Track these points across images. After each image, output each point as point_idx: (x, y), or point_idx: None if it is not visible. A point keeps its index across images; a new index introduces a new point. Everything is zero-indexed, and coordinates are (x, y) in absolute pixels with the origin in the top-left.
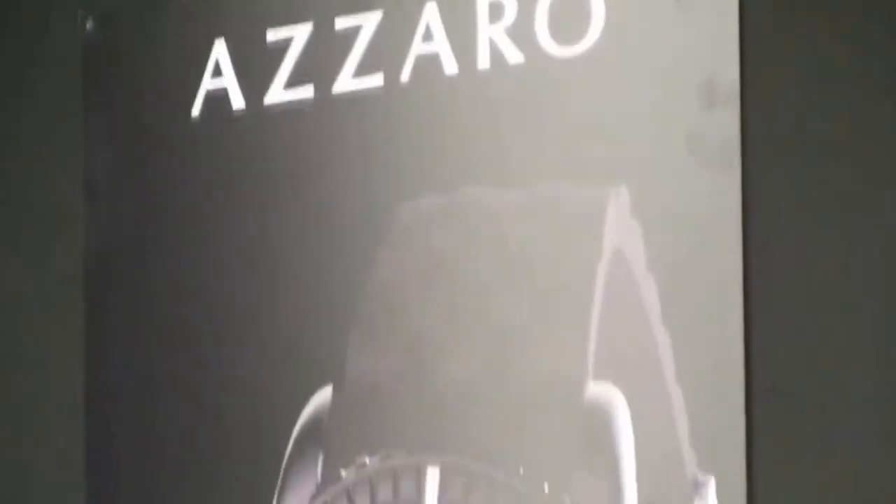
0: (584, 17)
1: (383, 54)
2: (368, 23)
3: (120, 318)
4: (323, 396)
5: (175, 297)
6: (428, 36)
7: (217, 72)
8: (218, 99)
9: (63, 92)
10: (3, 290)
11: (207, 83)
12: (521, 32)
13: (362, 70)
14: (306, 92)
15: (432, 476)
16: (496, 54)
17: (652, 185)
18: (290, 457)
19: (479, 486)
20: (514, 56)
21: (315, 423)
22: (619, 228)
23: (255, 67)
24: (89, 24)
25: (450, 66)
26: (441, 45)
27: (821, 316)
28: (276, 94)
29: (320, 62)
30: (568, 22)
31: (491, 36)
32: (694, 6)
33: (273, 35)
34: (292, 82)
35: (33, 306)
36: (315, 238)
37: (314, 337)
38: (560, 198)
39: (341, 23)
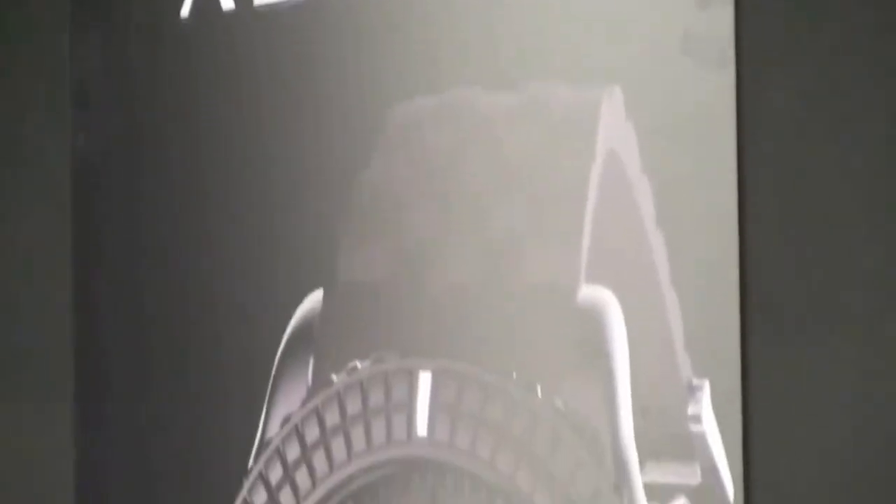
0: None
1: None
2: None
3: (109, 223)
4: (314, 300)
5: (165, 201)
6: None
7: None
8: None
9: None
10: None
11: None
12: None
13: None
14: None
15: (424, 380)
16: None
17: (646, 85)
18: (281, 361)
19: (472, 390)
20: None
21: (306, 328)
22: (613, 129)
23: None
24: None
25: None
26: None
27: (817, 218)
28: None
29: None
30: None
31: None
32: None
33: None
34: None
35: (21, 212)
36: (306, 140)
37: (305, 241)
38: (553, 98)
39: None
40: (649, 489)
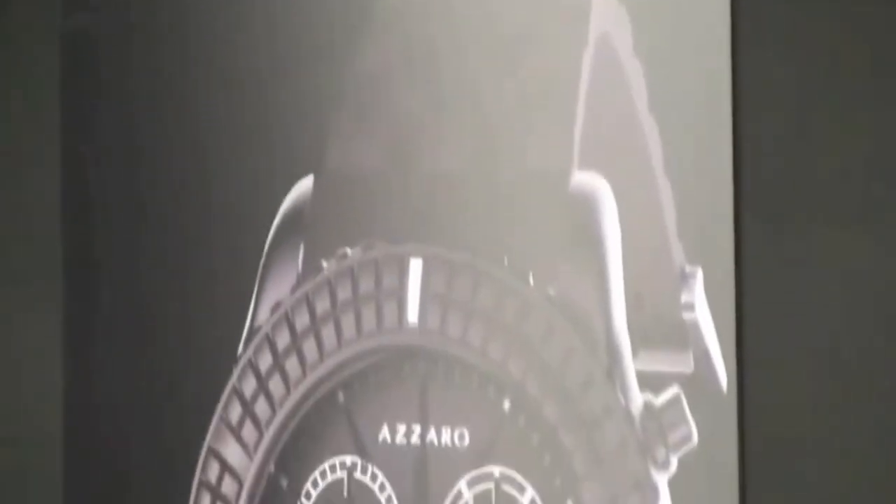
0: None
1: None
2: None
3: (99, 104)
4: (304, 187)
5: (158, 82)
6: None
7: None
8: None
9: None
10: None
11: None
12: None
13: None
14: None
15: (415, 267)
16: None
17: None
18: (271, 248)
19: (463, 277)
20: None
21: (296, 215)
22: (606, 13)
23: None
24: None
25: None
26: None
27: (814, 103)
28: None
29: None
30: None
31: None
32: None
33: None
34: None
35: (7, 95)
36: (296, 26)
37: (295, 128)
38: None
39: None
40: (642, 377)
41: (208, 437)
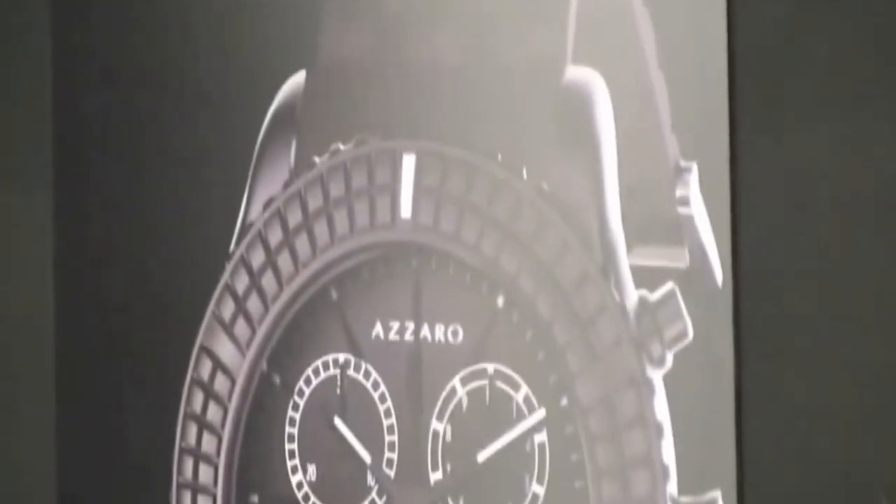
0: None
1: None
2: None
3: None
4: (296, 82)
5: None
6: None
7: None
8: None
9: None
10: None
11: None
12: None
13: None
14: None
15: (408, 162)
16: None
17: None
18: (263, 145)
19: (456, 172)
20: None
21: (288, 110)
22: None
23: None
24: None
25: None
26: None
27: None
28: None
29: None
30: None
31: None
32: None
33: None
34: None
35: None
36: None
37: (287, 21)
38: None
39: None
40: (636, 273)
41: (200, 334)
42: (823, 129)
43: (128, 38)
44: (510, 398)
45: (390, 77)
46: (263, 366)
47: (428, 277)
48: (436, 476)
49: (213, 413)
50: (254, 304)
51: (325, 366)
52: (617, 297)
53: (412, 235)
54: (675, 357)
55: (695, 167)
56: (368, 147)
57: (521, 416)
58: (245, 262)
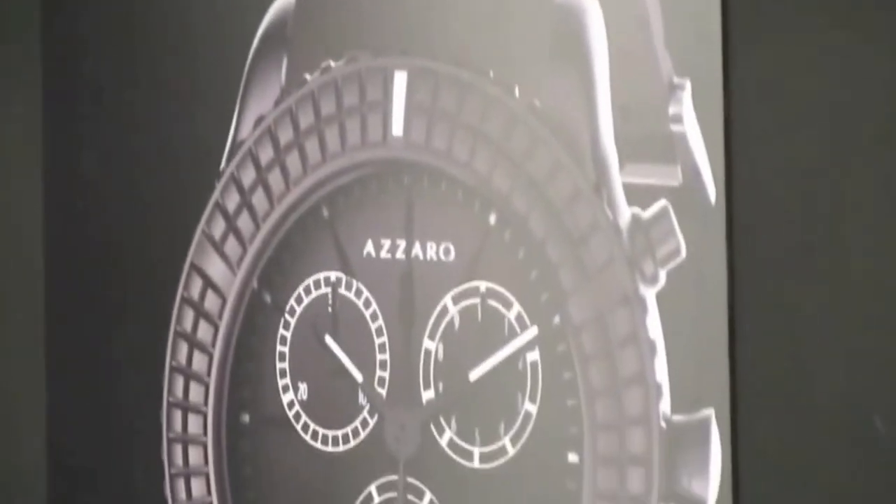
0: None
1: None
2: None
3: None
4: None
5: None
6: None
7: None
8: None
9: None
10: None
11: None
12: None
13: None
14: None
15: (399, 79)
16: None
17: None
18: (253, 62)
19: (448, 89)
20: None
21: (279, 26)
22: None
23: None
24: None
25: None
26: None
27: None
28: None
29: None
30: None
31: None
32: None
33: None
34: None
35: None
36: None
37: None
38: None
39: None
40: (629, 190)
41: (190, 252)
42: (817, 45)
43: None
44: (502, 316)
45: None
46: (254, 284)
47: (420, 195)
48: (427, 395)
49: (204, 332)
50: (244, 222)
51: (317, 284)
52: (609, 214)
53: (404, 153)
54: (668, 275)
55: (688, 84)
56: (359, 64)
57: (513, 335)
58: (235, 181)
